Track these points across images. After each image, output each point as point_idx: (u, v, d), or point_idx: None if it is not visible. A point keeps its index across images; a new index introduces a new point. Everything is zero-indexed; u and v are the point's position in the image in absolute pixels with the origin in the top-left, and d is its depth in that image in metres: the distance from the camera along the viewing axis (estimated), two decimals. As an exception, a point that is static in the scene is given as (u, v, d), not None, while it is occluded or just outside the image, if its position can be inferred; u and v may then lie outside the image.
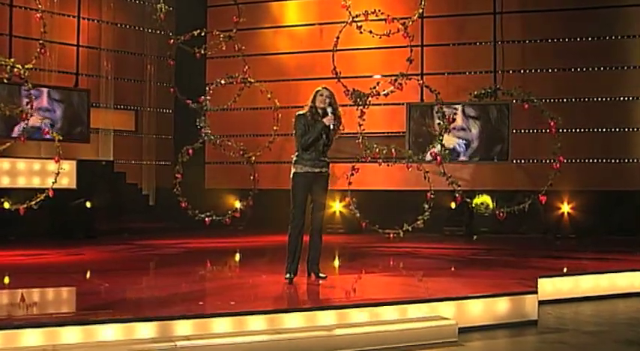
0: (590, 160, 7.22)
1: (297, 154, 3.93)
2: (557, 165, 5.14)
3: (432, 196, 6.17)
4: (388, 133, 7.55)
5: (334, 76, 6.52)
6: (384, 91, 6.48)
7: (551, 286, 3.99)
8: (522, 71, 7.28)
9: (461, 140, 6.43)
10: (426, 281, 4.26)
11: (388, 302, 3.28)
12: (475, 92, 5.01)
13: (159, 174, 8.37)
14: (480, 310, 3.41)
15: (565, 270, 4.46)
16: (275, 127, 7.21)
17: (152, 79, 8.33)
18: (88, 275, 4.39)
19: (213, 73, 8.04)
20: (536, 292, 3.55)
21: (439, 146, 5.12)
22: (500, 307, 3.46)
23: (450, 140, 6.32)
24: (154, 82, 8.36)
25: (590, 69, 7.28)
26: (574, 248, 6.11)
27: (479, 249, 6.11)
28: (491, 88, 5.02)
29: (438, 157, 5.17)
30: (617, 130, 7.27)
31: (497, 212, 5.13)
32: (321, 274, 3.97)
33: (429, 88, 6.37)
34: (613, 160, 7.25)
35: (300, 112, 3.94)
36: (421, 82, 6.48)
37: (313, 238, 3.97)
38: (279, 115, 7.13)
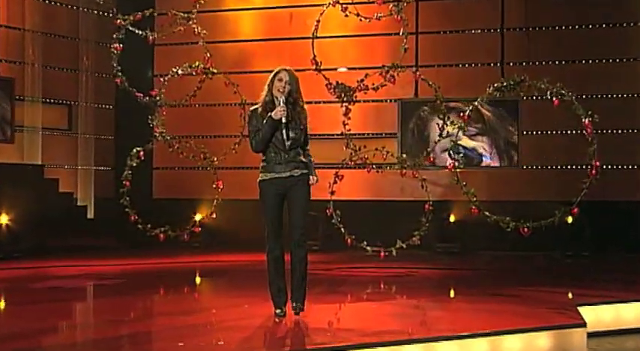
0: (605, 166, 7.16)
1: (262, 158, 3.75)
2: (594, 171, 4.91)
3: (431, 207, 6.00)
4: (377, 134, 7.48)
5: (314, 67, 6.23)
6: (373, 85, 6.22)
7: (593, 316, 3.74)
8: (552, 62, 7.14)
9: (480, 143, 6.28)
10: (445, 312, 4.06)
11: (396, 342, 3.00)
12: (496, 84, 4.76)
13: (98, 181, 8.01)
14: (518, 347, 3.14)
15: (601, 297, 4.21)
16: (240, 127, 6.82)
17: (89, 68, 7.98)
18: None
19: (163, 62, 7.72)
20: (584, 325, 3.30)
21: (451, 149, 4.90)
22: (542, 343, 3.20)
23: (467, 142, 6.12)
24: (91, 72, 7.99)
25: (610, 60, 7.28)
26: (594, 269, 6.03)
27: (486, 270, 5.95)
28: (516, 79, 4.75)
29: (451, 162, 4.93)
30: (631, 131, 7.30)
31: (521, 227, 4.88)
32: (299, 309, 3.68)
33: (426, 82, 6.15)
34: (628, 167, 7.24)
35: (253, 107, 3.76)
36: (418, 73, 6.22)
37: (293, 261, 3.69)
38: (247, 113, 6.80)
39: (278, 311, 3.66)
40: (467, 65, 7.35)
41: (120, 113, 8.12)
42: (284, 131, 3.65)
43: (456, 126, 4.92)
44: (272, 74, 3.73)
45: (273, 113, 3.62)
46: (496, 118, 6.41)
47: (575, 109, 4.96)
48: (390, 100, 7.41)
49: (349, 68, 7.50)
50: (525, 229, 4.89)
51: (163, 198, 8.02)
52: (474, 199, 4.98)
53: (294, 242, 3.65)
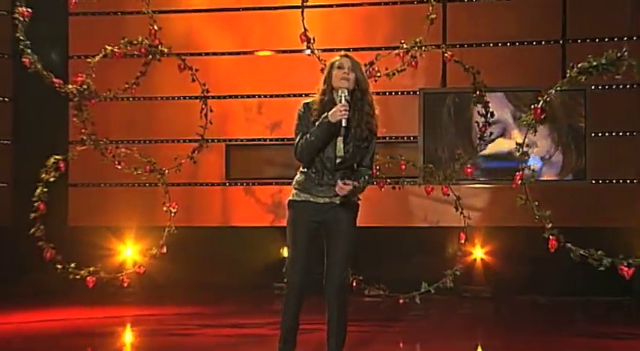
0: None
1: (300, 170, 3.93)
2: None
3: (464, 238, 6.14)
4: (392, 137, 7.64)
5: (305, 46, 6.36)
6: (386, 70, 6.39)
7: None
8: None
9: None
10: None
11: None
12: (580, 65, 4.77)
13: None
14: None
15: None
16: (203, 128, 6.99)
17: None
18: None
19: (80, 40, 7.81)
20: None
21: (519, 156, 4.93)
22: None
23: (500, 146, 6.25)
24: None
25: None
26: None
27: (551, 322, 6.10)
28: (611, 56, 4.68)
29: (517, 176, 4.98)
30: None
31: (620, 265, 4.85)
32: None
33: (460, 65, 6.29)
34: None
35: (306, 101, 3.89)
36: (448, 54, 6.33)
37: (330, 309, 3.87)
38: (210, 110, 7.02)
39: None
40: (516, 43, 7.55)
41: (20, 108, 8.13)
42: (337, 143, 3.72)
43: (525, 123, 4.92)
44: (328, 65, 3.88)
45: (330, 113, 3.67)
46: (561, 113, 6.56)
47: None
48: (409, 92, 7.59)
49: (353, 49, 7.52)
50: (626, 269, 4.81)
51: (84, 226, 8.04)
52: (549, 224, 4.98)
53: (332, 284, 3.80)
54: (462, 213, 6.14)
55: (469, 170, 6.28)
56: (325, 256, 3.86)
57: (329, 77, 3.83)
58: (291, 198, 3.87)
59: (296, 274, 3.78)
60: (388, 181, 6.35)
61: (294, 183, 3.91)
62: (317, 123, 3.72)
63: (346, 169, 3.80)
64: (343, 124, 3.65)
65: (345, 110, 3.64)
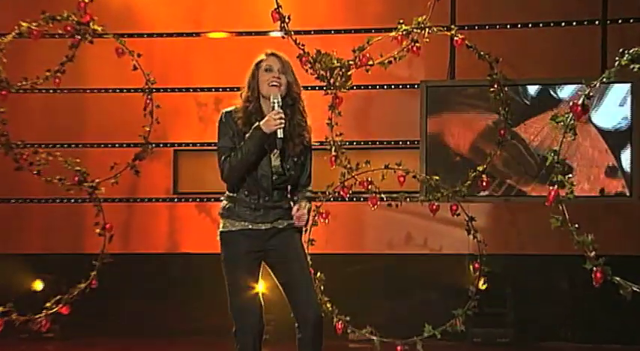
0: None
1: (226, 195, 4.12)
2: None
3: (478, 268, 6.18)
4: (387, 142, 7.65)
5: (279, 25, 6.36)
6: (380, 58, 6.43)
7: None
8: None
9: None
10: None
11: None
12: (633, 50, 4.78)
13: None
14: None
15: None
16: (147, 128, 7.05)
17: None
18: None
19: None
20: None
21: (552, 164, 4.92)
22: None
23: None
24: None
25: None
26: None
27: None
28: None
29: (552, 191, 4.97)
30: None
31: None
32: None
33: (474, 50, 6.30)
34: None
35: (227, 110, 4.09)
36: (458, 38, 6.34)
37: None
38: (156, 106, 7.02)
39: None
40: (545, 24, 7.53)
41: None
42: (274, 156, 3.93)
43: (561, 123, 4.91)
44: (253, 65, 4.06)
45: (263, 122, 3.85)
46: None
47: None
48: (409, 85, 7.53)
49: (336, 31, 7.61)
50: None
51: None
52: (592, 253, 4.97)
53: (307, 318, 3.93)
54: (475, 237, 6.18)
55: (485, 183, 6.29)
56: (283, 290, 4.03)
57: (254, 82, 4.01)
58: (222, 229, 4.03)
59: (241, 319, 3.94)
60: (383, 197, 6.33)
61: (221, 211, 4.05)
62: (247, 135, 3.89)
63: (284, 189, 4.04)
64: (279, 135, 3.85)
65: (281, 119, 3.84)
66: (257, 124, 3.86)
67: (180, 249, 7.96)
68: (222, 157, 3.96)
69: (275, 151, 3.94)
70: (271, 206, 3.99)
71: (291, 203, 4.06)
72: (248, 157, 3.88)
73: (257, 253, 4.00)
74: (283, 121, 3.84)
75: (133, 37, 7.51)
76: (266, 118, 3.84)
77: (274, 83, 3.94)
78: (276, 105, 3.86)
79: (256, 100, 3.98)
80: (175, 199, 7.95)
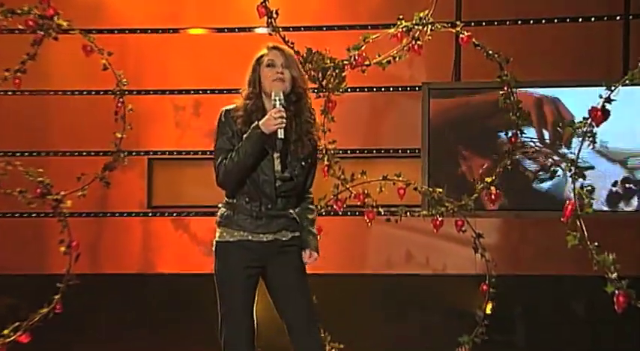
0: None
1: (224, 201, 4.20)
2: None
3: (487, 291, 6.20)
4: (385, 150, 7.69)
5: (266, 21, 6.40)
6: (377, 58, 6.48)
7: None
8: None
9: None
10: None
11: None
12: None
13: None
14: None
15: None
16: (118, 135, 7.04)
17: None
18: None
19: None
20: None
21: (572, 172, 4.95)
22: None
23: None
24: None
25: None
26: None
27: None
28: None
29: (569, 205, 4.99)
30: None
31: None
32: None
33: (482, 49, 6.33)
34: None
35: (227, 108, 4.20)
36: (464, 35, 6.35)
37: None
38: (128, 108, 7.03)
39: None
40: (561, 19, 7.56)
41: None
42: (276, 159, 4.01)
43: (576, 130, 4.94)
44: (254, 60, 4.17)
45: (262, 121, 3.92)
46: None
47: None
48: (409, 88, 7.55)
49: (328, 28, 7.67)
50: None
51: None
52: (614, 274, 5.00)
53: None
54: (483, 256, 6.19)
55: (494, 196, 6.29)
56: (280, 315, 4.12)
57: (255, 77, 4.13)
58: (218, 239, 4.10)
59: (242, 344, 4.03)
60: (380, 211, 6.37)
61: (219, 219, 4.14)
62: (245, 135, 3.96)
63: (290, 196, 4.11)
64: (279, 135, 3.92)
65: (282, 118, 3.91)
66: (256, 123, 3.92)
67: (156, 269, 7.95)
68: (219, 160, 4.01)
69: (276, 153, 4.00)
70: (275, 215, 4.05)
71: (294, 212, 4.12)
72: (245, 160, 3.92)
73: (255, 269, 4.06)
74: (284, 120, 3.89)
75: (103, 33, 7.48)
76: (265, 117, 3.90)
77: (278, 78, 4.02)
78: (277, 102, 3.92)
79: (258, 98, 4.06)
80: (150, 214, 7.95)
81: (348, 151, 7.14)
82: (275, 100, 3.92)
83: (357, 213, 6.79)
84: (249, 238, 4.02)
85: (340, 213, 6.54)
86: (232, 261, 4.03)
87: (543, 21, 7.53)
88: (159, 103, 7.94)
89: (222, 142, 4.05)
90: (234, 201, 4.05)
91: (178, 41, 7.96)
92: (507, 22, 7.56)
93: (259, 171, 3.98)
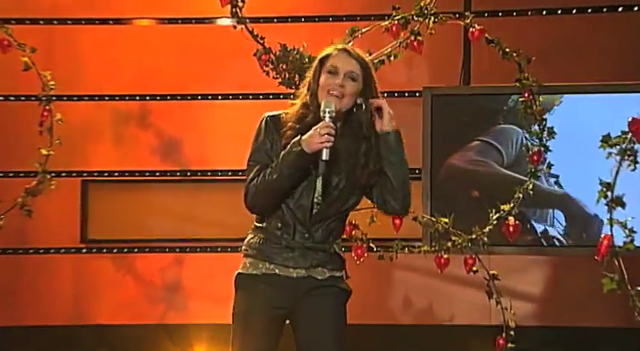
0: None
1: (253, 226, 4.21)
2: None
3: (504, 345, 6.24)
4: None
5: (230, 11, 6.52)
6: (367, 56, 6.33)
7: None
8: None
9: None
10: None
11: None
12: None
13: None
14: None
15: None
16: (44, 151, 7.11)
17: None
18: None
19: None
20: None
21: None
22: None
23: None
24: None
25: None
26: None
27: None
28: None
29: (605, 240, 5.02)
30: None
31: None
32: None
33: (497, 46, 6.38)
34: None
35: (272, 114, 4.17)
36: (474, 28, 6.42)
37: None
38: (57, 118, 7.09)
39: None
40: (589, 10, 7.51)
41: None
42: (316, 183, 3.99)
43: (612, 147, 4.97)
44: (316, 60, 4.11)
45: (305, 137, 3.88)
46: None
47: None
48: (407, 94, 7.55)
49: (307, 18, 7.69)
50: None
51: None
52: None
53: None
54: (498, 302, 6.23)
55: (512, 229, 6.31)
56: None
57: (316, 83, 4.05)
58: (241, 270, 4.10)
59: None
60: (372, 246, 6.41)
61: (245, 248, 4.14)
62: (283, 151, 3.92)
63: (330, 223, 4.08)
64: (324, 156, 3.86)
65: (329, 134, 3.84)
66: (297, 138, 3.88)
67: (91, 319, 7.91)
68: (250, 176, 4.01)
69: (319, 176, 3.96)
70: (310, 247, 4.04)
71: (335, 246, 4.13)
72: (280, 181, 3.93)
73: (279, 311, 4.08)
74: (332, 137, 3.85)
75: (25, 23, 7.47)
76: (309, 132, 3.86)
77: (334, 92, 3.96)
78: (327, 116, 3.87)
79: (316, 107, 3.99)
80: (84, 250, 7.88)
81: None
82: (325, 112, 3.87)
83: (343, 248, 6.65)
84: (276, 271, 4.03)
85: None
86: (254, 297, 4.06)
87: (574, 11, 7.48)
88: (96, 112, 7.92)
89: (258, 156, 4.03)
90: (265, 225, 4.07)
91: (121, 35, 7.92)
92: (529, 13, 7.48)
93: (297, 193, 3.99)
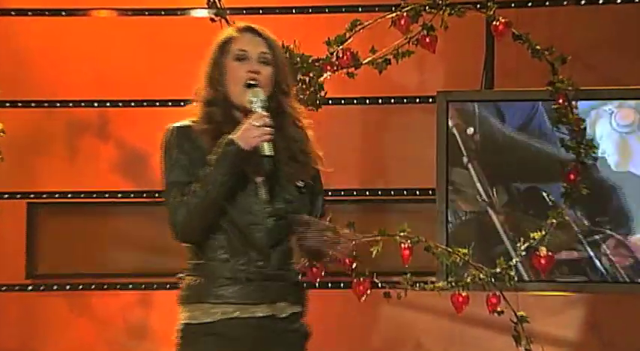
0: None
1: (189, 265, 4.11)
2: None
3: None
4: (383, 190, 7.74)
5: (207, 3, 6.63)
6: (371, 55, 6.63)
7: None
8: None
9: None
10: None
11: None
12: None
13: None
14: None
15: None
16: None
17: None
18: None
19: None
20: None
21: None
22: None
23: None
24: None
25: None
26: None
27: None
28: None
29: None
30: None
31: None
32: None
33: (526, 44, 6.42)
34: None
35: (180, 124, 4.13)
36: (499, 21, 6.49)
37: None
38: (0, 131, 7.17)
39: None
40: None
41: None
42: (262, 187, 3.97)
43: None
44: (215, 47, 4.14)
45: (238, 134, 3.87)
46: None
47: None
48: (419, 100, 7.55)
49: (298, 9, 7.70)
50: None
51: None
52: None
53: None
54: (528, 350, 6.23)
55: (544, 261, 6.32)
56: None
57: (220, 72, 4.07)
58: (188, 321, 3.98)
59: None
60: (376, 281, 6.44)
61: (182, 293, 4.02)
62: (215, 156, 3.87)
63: (286, 247, 4.04)
64: (266, 151, 3.87)
65: (267, 126, 3.86)
66: (228, 137, 3.85)
67: (40, 371, 7.96)
68: (173, 200, 3.94)
69: (260, 177, 3.97)
70: (272, 275, 3.98)
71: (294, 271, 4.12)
72: (218, 191, 3.87)
73: None
74: (270, 128, 3.86)
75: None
76: (243, 127, 3.85)
77: (251, 77, 3.97)
78: (258, 106, 3.88)
79: (224, 102, 4.02)
80: (30, 287, 7.89)
81: (329, 193, 7.02)
82: (253, 102, 3.89)
83: (342, 284, 6.83)
84: (237, 314, 3.93)
85: (317, 285, 6.51)
86: None
87: (619, 0, 7.49)
88: (46, 122, 7.96)
89: (177, 175, 3.96)
90: (205, 261, 3.98)
91: (77, 29, 7.95)
92: (564, 2, 7.52)
93: (240, 210, 3.93)
